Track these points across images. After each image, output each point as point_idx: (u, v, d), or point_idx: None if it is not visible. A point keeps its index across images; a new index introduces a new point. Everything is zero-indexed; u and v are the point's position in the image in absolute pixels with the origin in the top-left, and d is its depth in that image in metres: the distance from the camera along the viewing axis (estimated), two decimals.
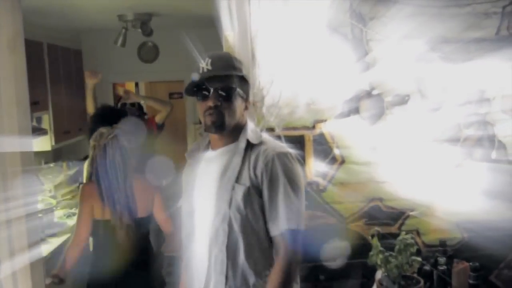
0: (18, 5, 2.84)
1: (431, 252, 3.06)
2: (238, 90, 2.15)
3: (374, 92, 3.04)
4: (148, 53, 6.70)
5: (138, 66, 6.70)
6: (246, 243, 2.11)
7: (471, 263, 2.84)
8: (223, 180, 2.13)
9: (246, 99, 2.21)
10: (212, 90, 2.11)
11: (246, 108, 2.22)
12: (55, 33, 5.47)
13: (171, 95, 9.36)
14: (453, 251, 3.01)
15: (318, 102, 3.04)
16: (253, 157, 2.14)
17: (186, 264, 2.30)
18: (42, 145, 4.98)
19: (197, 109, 2.24)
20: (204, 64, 2.11)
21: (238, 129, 2.19)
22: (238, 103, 2.16)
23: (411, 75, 3.05)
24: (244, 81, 2.19)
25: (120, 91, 5.28)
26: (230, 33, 3.00)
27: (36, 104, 4.53)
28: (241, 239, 2.11)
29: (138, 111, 5.07)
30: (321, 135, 3.08)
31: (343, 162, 3.09)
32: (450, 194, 3.09)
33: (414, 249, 2.70)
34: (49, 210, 4.62)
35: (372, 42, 3.01)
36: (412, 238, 2.75)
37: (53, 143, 5.12)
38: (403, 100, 3.06)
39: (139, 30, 5.21)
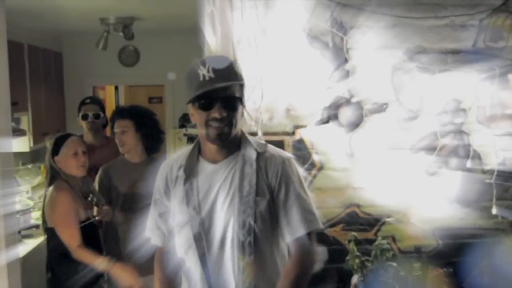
0: (1, 5, 2.84)
1: (406, 258, 3.10)
2: (242, 98, 2.05)
3: (353, 100, 3.09)
4: (129, 57, 6.69)
5: (118, 70, 6.68)
6: (269, 251, 2.08)
7: (445, 270, 2.89)
8: (242, 194, 2.03)
9: (243, 106, 2.10)
10: (218, 101, 1.97)
11: (243, 114, 2.12)
12: (36, 35, 5.45)
13: (150, 99, 9.34)
14: (427, 257, 3.06)
15: (298, 108, 3.08)
16: (262, 166, 2.07)
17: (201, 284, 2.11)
18: (20, 146, 4.95)
19: (195, 119, 2.07)
20: (205, 71, 1.97)
21: (236, 138, 2.10)
22: (240, 112, 2.06)
23: (389, 84, 3.10)
24: (243, 86, 2.08)
25: None
26: (212, 39, 3.02)
27: (15, 105, 4.50)
28: (265, 249, 2.07)
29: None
30: (300, 141, 3.11)
31: (321, 168, 3.12)
32: (426, 202, 3.14)
33: (389, 255, 2.75)
34: (26, 211, 4.59)
35: (352, 51, 3.06)
36: (388, 244, 2.80)
37: (32, 145, 5.09)
38: (381, 108, 3.11)
39: (121, 33, 5.21)
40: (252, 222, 2.02)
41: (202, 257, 2.07)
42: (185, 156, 2.15)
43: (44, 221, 3.21)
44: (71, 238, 3.04)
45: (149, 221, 2.25)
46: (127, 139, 3.44)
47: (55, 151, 3.18)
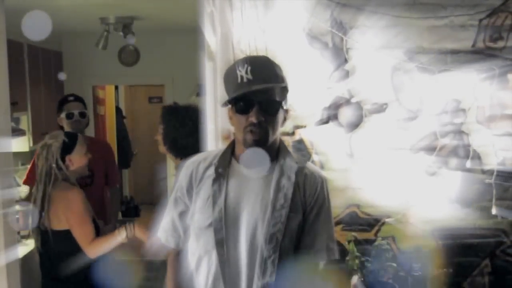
0: (1, 5, 2.84)
1: (406, 258, 3.11)
2: (282, 102, 1.94)
3: (353, 100, 3.09)
4: (129, 57, 6.68)
5: (118, 70, 6.68)
6: (290, 271, 1.94)
7: (445, 270, 2.90)
8: (275, 207, 1.92)
9: (286, 110, 1.99)
10: (255, 104, 1.86)
11: (285, 119, 2.00)
12: None
13: (150, 99, 9.36)
14: (427, 258, 3.06)
15: (298, 108, 3.08)
16: (301, 181, 1.97)
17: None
18: (19, 146, 4.95)
19: (233, 122, 1.97)
20: (244, 72, 1.86)
21: (274, 145, 1.99)
22: (280, 116, 1.95)
23: (389, 84, 3.10)
24: (285, 89, 1.98)
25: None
26: (212, 39, 3.02)
27: (14, 105, 4.50)
28: (286, 268, 1.93)
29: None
30: (300, 141, 3.11)
31: (321, 168, 3.12)
32: (425, 202, 3.14)
33: (389, 255, 2.75)
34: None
35: (352, 51, 3.06)
36: (388, 244, 2.80)
37: (31, 144, 5.09)
38: (381, 109, 3.11)
39: (121, 33, 5.21)
40: (280, 238, 1.90)
41: (222, 265, 1.92)
42: (217, 155, 2.03)
43: (41, 224, 3.11)
44: (88, 235, 3.05)
45: (164, 221, 2.14)
46: (160, 143, 3.25)
47: (68, 149, 3.14)
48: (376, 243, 2.80)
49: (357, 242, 2.84)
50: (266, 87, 1.87)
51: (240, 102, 1.89)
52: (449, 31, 3.10)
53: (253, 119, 1.86)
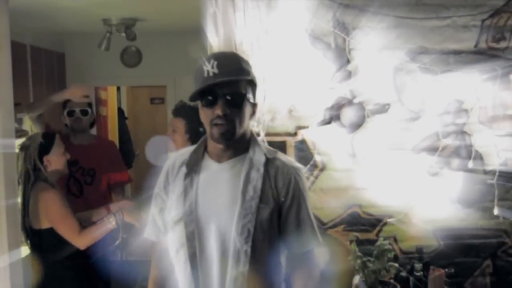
0: (5, 6, 2.85)
1: (407, 258, 3.11)
2: (248, 95, 1.97)
3: (355, 100, 3.09)
4: (131, 58, 6.70)
5: (120, 71, 6.69)
6: (265, 264, 1.99)
7: (446, 270, 2.90)
8: (245, 198, 1.96)
9: (254, 104, 2.03)
10: (220, 96, 1.91)
11: (253, 113, 2.05)
12: (39, 36, 5.47)
13: (152, 100, 9.37)
14: (429, 258, 3.06)
15: (300, 109, 3.09)
16: (272, 173, 2.00)
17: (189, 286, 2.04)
18: None
19: (203, 117, 2.00)
20: (210, 67, 1.90)
21: (244, 138, 2.03)
22: (247, 110, 1.98)
23: (391, 85, 3.11)
24: (252, 84, 2.00)
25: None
26: (215, 40, 3.03)
27: (18, 106, 4.50)
28: (261, 259, 1.97)
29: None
30: (303, 142, 3.12)
31: (323, 168, 3.13)
32: (427, 202, 3.14)
33: (391, 255, 2.75)
34: None
35: (354, 51, 3.06)
36: (389, 244, 2.80)
37: None
38: (383, 109, 3.12)
39: (123, 34, 5.23)
40: (251, 229, 1.94)
41: (193, 258, 1.99)
42: (190, 152, 2.09)
43: (29, 226, 3.13)
44: (73, 228, 3.06)
45: (148, 215, 2.21)
46: (177, 139, 3.36)
47: (45, 150, 3.16)
48: (378, 243, 2.80)
49: (359, 242, 2.84)
50: (230, 79, 1.90)
51: (207, 96, 1.93)
52: (451, 31, 3.11)
53: (218, 111, 1.90)
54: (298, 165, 2.11)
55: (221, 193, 2.00)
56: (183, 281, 2.03)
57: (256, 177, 1.98)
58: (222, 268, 1.96)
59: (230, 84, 1.91)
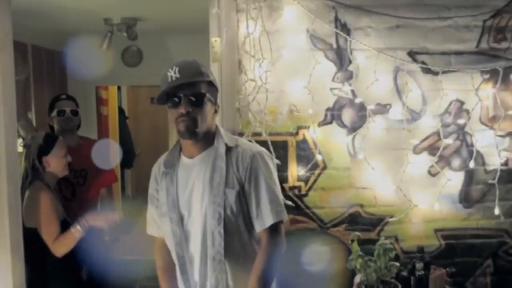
0: (8, 6, 2.86)
1: (409, 258, 3.12)
2: (208, 95, 2.21)
3: (357, 100, 3.10)
4: (132, 58, 6.69)
5: (121, 70, 6.68)
6: (238, 241, 2.25)
7: (447, 269, 2.91)
8: (213, 185, 2.22)
9: (215, 103, 2.28)
10: (182, 97, 2.17)
11: (215, 112, 2.30)
12: (40, 35, 5.46)
13: (152, 99, 9.37)
14: (430, 257, 3.07)
15: (302, 108, 3.09)
16: (233, 159, 2.25)
17: (180, 270, 2.34)
18: None
19: (170, 118, 2.28)
20: (172, 73, 2.17)
21: (210, 134, 2.28)
22: (208, 108, 2.23)
23: (392, 85, 3.11)
24: (212, 86, 2.26)
25: None
26: (217, 40, 3.04)
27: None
28: (234, 238, 2.24)
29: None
30: (304, 141, 3.13)
31: (325, 168, 3.14)
32: (428, 202, 3.15)
33: (392, 254, 2.76)
34: None
35: (356, 52, 3.07)
36: (391, 243, 2.81)
37: None
38: (384, 109, 3.13)
39: (124, 34, 5.23)
40: (222, 212, 2.20)
41: (180, 244, 2.28)
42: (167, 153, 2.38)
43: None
44: (52, 235, 3.09)
45: (147, 214, 2.50)
46: None
47: (45, 150, 3.21)
48: (379, 242, 2.81)
49: (360, 242, 2.84)
50: (189, 81, 2.16)
51: (171, 98, 2.19)
52: (453, 32, 3.11)
53: (182, 110, 2.17)
54: (260, 148, 2.34)
55: (195, 184, 2.27)
56: (177, 265, 2.33)
57: (221, 165, 2.23)
58: (203, 250, 2.24)
59: (191, 86, 2.17)
